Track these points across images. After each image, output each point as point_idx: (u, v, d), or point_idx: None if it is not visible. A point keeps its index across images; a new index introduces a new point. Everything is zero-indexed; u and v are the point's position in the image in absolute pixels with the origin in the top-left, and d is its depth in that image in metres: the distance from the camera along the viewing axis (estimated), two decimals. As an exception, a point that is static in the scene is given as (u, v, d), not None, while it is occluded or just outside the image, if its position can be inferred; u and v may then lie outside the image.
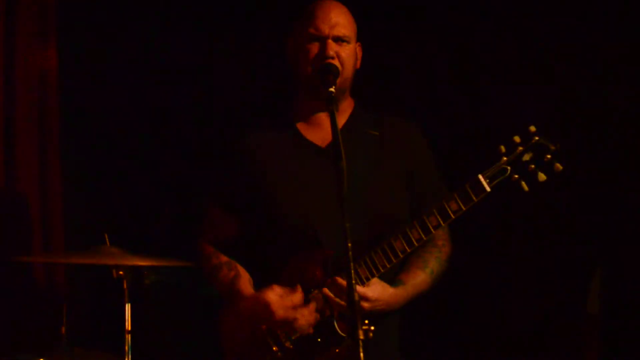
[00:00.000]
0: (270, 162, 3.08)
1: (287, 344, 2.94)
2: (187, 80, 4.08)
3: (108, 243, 2.97)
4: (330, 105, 2.79)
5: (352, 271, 2.41)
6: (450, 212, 2.86)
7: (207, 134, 4.00)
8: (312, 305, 2.92)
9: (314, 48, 3.02)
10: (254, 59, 4.04)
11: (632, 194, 3.59)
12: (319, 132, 3.08)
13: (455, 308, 3.81)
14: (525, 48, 3.76)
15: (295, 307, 2.90)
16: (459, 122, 3.82)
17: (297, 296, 2.91)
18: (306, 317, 2.90)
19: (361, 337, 2.35)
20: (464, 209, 2.84)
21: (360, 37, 3.12)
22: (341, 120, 3.09)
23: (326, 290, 2.90)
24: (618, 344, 3.60)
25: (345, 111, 3.13)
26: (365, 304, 2.87)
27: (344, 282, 2.85)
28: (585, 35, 3.63)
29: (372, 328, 2.41)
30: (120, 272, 2.89)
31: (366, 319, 2.40)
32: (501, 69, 3.80)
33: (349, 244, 2.43)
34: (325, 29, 3.02)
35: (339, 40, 3.03)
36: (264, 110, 3.49)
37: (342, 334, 2.92)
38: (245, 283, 3.03)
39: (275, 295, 2.90)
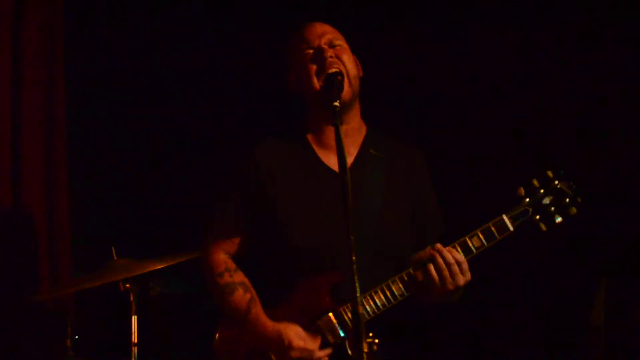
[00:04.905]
0: (284, 180, 3.06)
1: None
2: (197, 92, 4.09)
3: (115, 256, 2.96)
4: (335, 118, 2.78)
5: (357, 285, 2.41)
6: (472, 247, 2.89)
7: (216, 144, 3.99)
8: (328, 351, 2.93)
9: (313, 60, 3.04)
10: (268, 68, 3.94)
11: (635, 206, 3.61)
12: (333, 153, 3.01)
13: (459, 319, 3.80)
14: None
15: (312, 354, 2.91)
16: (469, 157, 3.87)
17: (317, 343, 2.92)
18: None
19: (365, 349, 2.36)
20: (486, 245, 2.89)
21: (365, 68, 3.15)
22: (356, 146, 3.11)
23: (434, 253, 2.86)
24: (622, 355, 3.60)
25: (359, 133, 3.14)
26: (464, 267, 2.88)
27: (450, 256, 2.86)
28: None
29: (377, 341, 2.42)
30: (127, 285, 2.88)
31: (370, 332, 2.42)
32: (512, 110, 3.87)
33: (354, 257, 2.43)
34: (315, 40, 3.07)
35: (332, 45, 3.07)
36: (277, 122, 3.49)
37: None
38: (262, 309, 2.99)
39: (298, 338, 2.90)
